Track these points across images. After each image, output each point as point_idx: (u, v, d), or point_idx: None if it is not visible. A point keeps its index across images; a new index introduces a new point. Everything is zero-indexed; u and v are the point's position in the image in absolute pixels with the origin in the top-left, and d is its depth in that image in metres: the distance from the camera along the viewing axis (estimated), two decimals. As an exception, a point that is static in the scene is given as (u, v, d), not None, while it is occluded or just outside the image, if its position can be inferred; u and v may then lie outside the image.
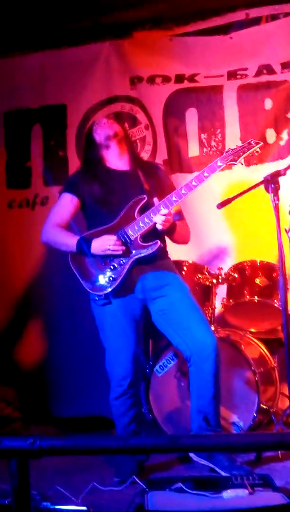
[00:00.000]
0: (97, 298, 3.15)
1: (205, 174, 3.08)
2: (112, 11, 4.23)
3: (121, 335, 3.14)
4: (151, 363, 3.56)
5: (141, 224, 3.10)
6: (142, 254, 3.11)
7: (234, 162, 3.10)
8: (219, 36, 4.23)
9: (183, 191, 3.09)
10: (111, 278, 3.11)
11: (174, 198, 3.08)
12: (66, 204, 3.26)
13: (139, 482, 2.72)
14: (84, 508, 2.45)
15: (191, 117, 4.24)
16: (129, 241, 3.11)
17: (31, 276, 4.35)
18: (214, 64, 4.20)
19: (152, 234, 3.13)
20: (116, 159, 3.28)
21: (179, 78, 4.25)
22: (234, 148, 3.13)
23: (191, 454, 3.10)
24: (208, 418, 3.08)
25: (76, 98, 4.36)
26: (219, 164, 3.08)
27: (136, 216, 3.13)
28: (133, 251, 3.11)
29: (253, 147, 3.11)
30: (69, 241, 3.18)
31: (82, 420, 4.08)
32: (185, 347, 3.14)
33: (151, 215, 3.09)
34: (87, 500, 2.55)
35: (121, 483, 2.90)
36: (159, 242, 3.11)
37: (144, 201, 3.15)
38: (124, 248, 3.08)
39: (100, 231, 3.16)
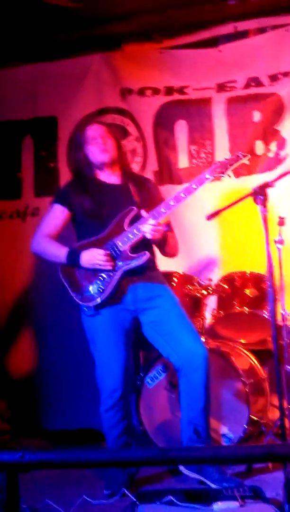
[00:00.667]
0: (86, 309, 3.15)
1: (194, 186, 3.10)
2: (103, 23, 4.26)
3: (111, 346, 3.14)
4: (141, 374, 3.56)
5: (130, 235, 3.11)
6: (131, 265, 3.12)
7: (221, 174, 3.12)
8: (208, 49, 4.27)
9: (171, 203, 3.10)
10: (100, 290, 3.12)
11: (162, 210, 3.09)
12: (57, 216, 3.27)
13: (130, 495, 2.71)
14: (74, 521, 2.44)
15: (181, 129, 4.27)
16: (118, 253, 3.12)
17: (22, 287, 4.35)
18: (203, 76, 4.23)
19: (142, 245, 3.14)
20: (107, 172, 3.29)
21: (169, 91, 4.28)
22: (222, 161, 3.15)
23: (181, 468, 3.10)
24: (198, 430, 3.08)
25: (67, 110, 4.38)
26: (207, 176, 3.10)
27: (125, 228, 3.14)
28: (122, 263, 3.12)
29: (241, 159, 3.14)
30: (59, 253, 3.18)
31: (73, 433, 4.06)
32: (176, 358, 3.15)
33: (140, 226, 3.10)
34: (78, 514, 2.53)
35: (112, 496, 2.89)
36: (148, 253, 3.12)
37: (134, 212, 3.16)
38: (112, 263, 3.09)
39: (89, 243, 3.16)
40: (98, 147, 3.24)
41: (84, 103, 4.38)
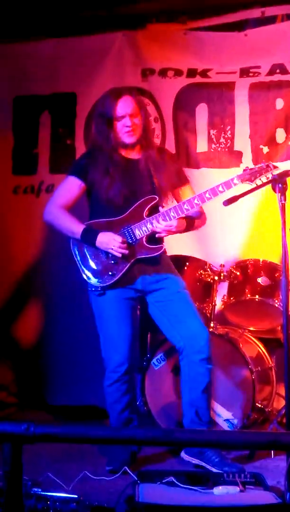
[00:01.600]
0: (93, 289, 3.15)
1: (220, 189, 3.08)
2: (127, 2, 4.21)
3: (118, 323, 3.15)
4: (148, 355, 3.56)
5: (149, 226, 3.11)
6: (145, 256, 3.12)
7: (249, 182, 3.05)
8: (233, 33, 4.20)
9: (196, 201, 3.11)
10: (110, 273, 3.12)
11: (186, 207, 3.09)
12: (73, 188, 3.22)
13: (131, 473, 2.73)
14: (75, 496, 2.45)
15: (201, 112, 4.22)
16: (134, 241, 3.12)
17: (32, 261, 4.35)
18: (227, 60, 4.18)
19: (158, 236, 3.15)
20: (129, 145, 3.19)
21: (192, 73, 4.23)
22: (252, 168, 3.07)
23: (182, 454, 3.12)
24: (199, 413, 3.09)
25: (86, 87, 4.33)
26: (235, 181, 3.07)
27: (144, 216, 3.12)
28: (137, 252, 3.11)
29: (271, 170, 3.04)
30: (74, 228, 3.16)
31: (77, 408, 4.09)
32: (178, 339, 3.16)
33: (161, 219, 3.08)
34: (78, 489, 2.55)
35: (113, 473, 2.91)
36: (163, 246, 3.14)
37: (155, 201, 3.14)
38: (126, 252, 3.08)
39: (106, 223, 3.14)
40: (125, 129, 3.14)
41: (104, 81, 4.32)
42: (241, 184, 3.07)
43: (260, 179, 3.03)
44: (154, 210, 3.14)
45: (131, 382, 3.19)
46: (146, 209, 3.13)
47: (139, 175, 3.19)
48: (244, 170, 3.09)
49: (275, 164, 3.95)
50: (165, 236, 3.16)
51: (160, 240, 3.17)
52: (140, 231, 3.11)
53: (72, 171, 3.27)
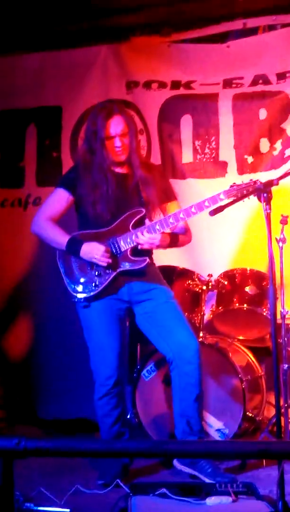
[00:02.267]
0: (77, 301, 3.15)
1: (206, 203, 3.06)
2: (111, 14, 4.23)
3: (106, 335, 3.15)
4: (138, 367, 3.56)
5: (133, 238, 3.10)
6: (129, 268, 3.12)
7: (234, 198, 3.01)
8: (216, 45, 4.25)
9: (181, 215, 3.10)
10: (93, 285, 3.12)
11: (171, 220, 3.09)
12: (61, 200, 3.23)
13: (123, 486, 2.72)
14: (67, 510, 2.44)
15: (186, 123, 4.25)
16: (118, 252, 3.11)
17: (21, 274, 4.35)
18: (210, 72, 4.22)
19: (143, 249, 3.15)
20: (118, 162, 3.21)
21: (175, 85, 4.26)
22: (240, 185, 3.05)
23: (175, 462, 3.12)
24: (191, 423, 3.09)
25: (72, 100, 4.35)
26: (221, 197, 3.05)
27: (130, 228, 3.12)
28: (121, 264, 3.12)
29: (258, 186, 2.95)
30: (60, 239, 3.16)
31: (67, 422, 4.07)
32: (167, 350, 3.16)
33: (145, 232, 3.08)
34: (71, 503, 2.54)
35: (105, 486, 2.89)
36: (147, 259, 3.13)
37: (141, 214, 3.15)
38: (110, 261, 3.08)
39: (92, 234, 3.16)
40: (115, 149, 3.15)
41: (89, 94, 4.35)
42: (227, 199, 3.04)
43: (248, 197, 2.99)
44: (140, 223, 3.15)
45: (121, 395, 3.19)
46: (133, 221, 3.13)
47: (127, 190, 3.20)
48: (231, 186, 3.07)
49: (260, 173, 4.06)
50: (148, 248, 3.14)
51: (145, 253, 3.17)
52: (125, 243, 3.11)
53: (60, 183, 3.28)
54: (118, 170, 3.23)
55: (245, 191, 3.01)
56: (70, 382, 4.11)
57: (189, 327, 3.20)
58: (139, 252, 3.14)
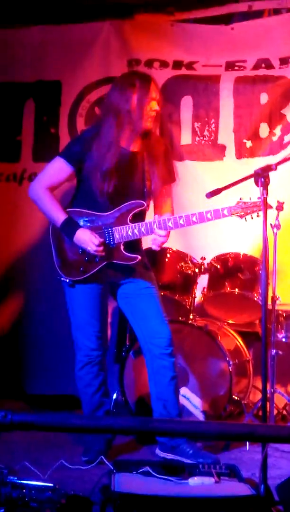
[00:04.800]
0: (62, 279, 3.15)
1: (209, 216, 2.99)
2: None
3: (90, 311, 3.14)
4: (127, 346, 3.57)
5: (129, 233, 3.04)
6: (120, 262, 3.08)
7: (239, 217, 2.98)
8: (220, 26, 4.21)
9: (181, 222, 3.01)
10: (81, 269, 3.10)
11: (170, 224, 3.00)
12: (61, 171, 3.14)
13: (107, 462, 2.74)
14: (51, 484, 2.45)
15: (186, 104, 4.22)
16: (112, 244, 3.06)
17: (13, 249, 4.32)
18: (213, 53, 4.18)
19: (135, 242, 3.13)
20: (129, 136, 3.10)
21: (177, 64, 4.22)
22: (246, 202, 2.95)
23: (157, 450, 3.14)
24: (167, 406, 3.11)
25: (72, 76, 4.30)
26: (225, 213, 2.98)
27: (128, 221, 3.06)
28: (112, 255, 3.07)
29: (260, 209, 2.91)
30: (56, 215, 3.10)
31: (55, 398, 4.08)
32: (140, 334, 3.17)
33: (143, 229, 3.02)
34: (54, 478, 2.55)
35: (89, 463, 2.91)
36: (139, 257, 3.07)
37: (142, 208, 3.09)
38: (103, 254, 3.04)
39: (87, 214, 3.10)
40: (151, 113, 3.03)
41: (90, 70, 4.31)
42: (229, 216, 2.98)
43: (251, 215, 2.96)
44: (138, 216, 3.10)
45: (103, 364, 3.19)
46: (131, 214, 3.06)
47: (134, 170, 3.11)
48: (237, 202, 2.98)
49: (258, 158, 4.04)
50: (157, 248, 3.07)
51: (137, 249, 3.13)
52: (120, 236, 3.05)
53: (64, 153, 3.17)
54: (129, 147, 3.11)
55: (249, 211, 2.94)
56: (58, 358, 4.11)
57: (163, 315, 3.16)
58: (132, 247, 3.10)
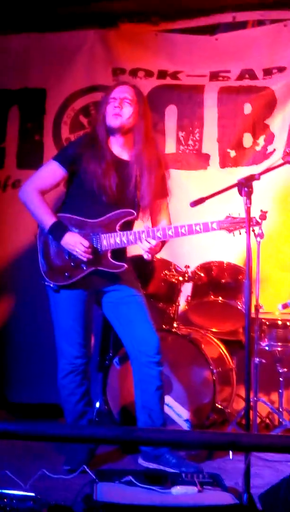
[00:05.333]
0: (46, 283, 3.13)
1: (197, 228, 3.01)
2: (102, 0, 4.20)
3: (74, 318, 3.12)
4: (110, 354, 3.55)
5: (117, 241, 3.03)
6: (105, 270, 3.07)
7: (227, 232, 3.00)
8: (204, 36, 4.25)
9: (170, 233, 3.02)
10: (66, 274, 3.08)
11: (158, 235, 3.01)
12: (54, 175, 3.14)
13: (90, 472, 2.72)
14: (32, 494, 2.43)
15: (171, 114, 4.25)
16: (99, 250, 3.05)
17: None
18: (197, 63, 4.22)
19: (122, 251, 3.13)
20: (120, 142, 3.13)
21: (162, 74, 4.25)
22: (235, 217, 2.98)
23: (139, 460, 3.13)
24: (152, 416, 3.10)
25: (56, 84, 4.31)
26: (213, 226, 3.00)
27: (117, 229, 3.06)
28: (98, 262, 3.06)
29: (253, 224, 2.98)
30: (45, 219, 3.08)
31: (38, 406, 4.05)
32: (128, 342, 3.16)
33: (131, 238, 3.02)
34: (36, 487, 2.53)
35: (71, 472, 2.89)
36: (125, 265, 3.08)
37: (131, 217, 3.10)
38: (91, 257, 3.03)
39: (79, 221, 3.08)
40: (112, 109, 3.09)
41: (75, 78, 4.32)
42: (218, 230, 3.00)
43: (239, 231, 2.98)
44: (127, 225, 3.10)
45: (86, 373, 3.17)
46: (120, 223, 3.06)
47: (127, 179, 3.11)
48: (226, 217, 3.01)
49: (241, 167, 4.06)
50: (149, 258, 3.07)
51: (123, 258, 3.13)
52: (108, 243, 3.05)
53: (58, 157, 3.17)
54: (121, 155, 3.13)
55: (238, 226, 2.97)
56: (41, 366, 4.08)
57: (151, 322, 3.16)
58: (119, 255, 3.09)
